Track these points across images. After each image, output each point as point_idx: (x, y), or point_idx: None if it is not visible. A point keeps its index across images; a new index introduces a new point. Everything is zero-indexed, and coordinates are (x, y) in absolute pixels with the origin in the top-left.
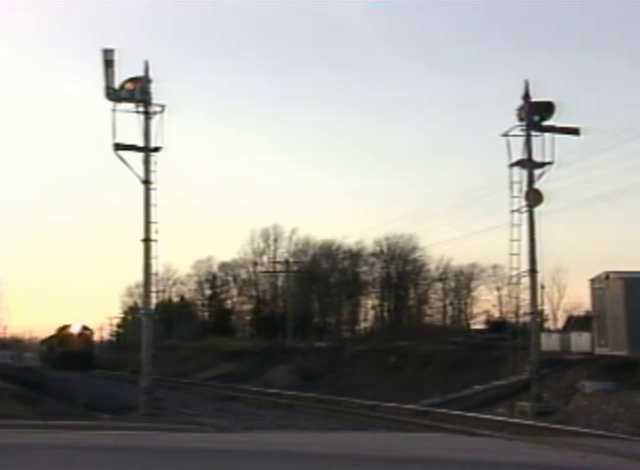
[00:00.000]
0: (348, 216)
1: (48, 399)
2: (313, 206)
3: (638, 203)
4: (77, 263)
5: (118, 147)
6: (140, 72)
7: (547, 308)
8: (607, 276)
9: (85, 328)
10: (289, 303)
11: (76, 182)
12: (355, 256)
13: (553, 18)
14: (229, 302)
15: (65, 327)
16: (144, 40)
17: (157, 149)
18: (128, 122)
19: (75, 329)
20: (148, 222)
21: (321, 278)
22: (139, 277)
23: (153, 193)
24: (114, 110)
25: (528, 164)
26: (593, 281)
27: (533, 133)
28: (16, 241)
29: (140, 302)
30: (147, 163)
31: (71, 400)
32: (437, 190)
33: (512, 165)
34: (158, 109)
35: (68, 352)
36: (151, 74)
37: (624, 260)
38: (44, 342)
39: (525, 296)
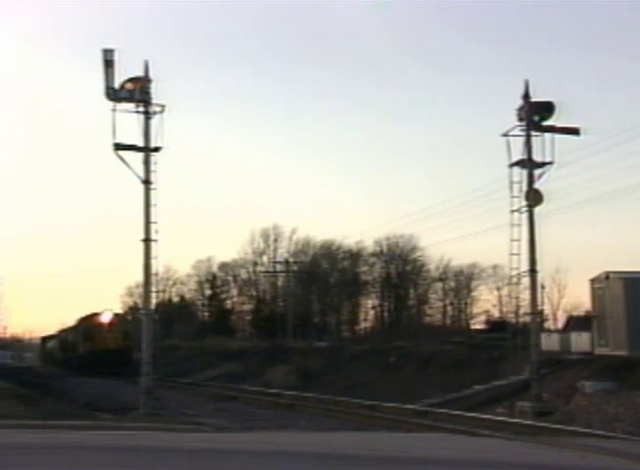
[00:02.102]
0: (348, 216)
1: (48, 398)
2: (313, 206)
3: (638, 203)
4: (77, 264)
5: (118, 147)
6: (140, 72)
7: (547, 308)
8: (607, 276)
9: (118, 316)
10: (289, 303)
11: (76, 182)
12: (355, 256)
13: (553, 17)
14: (229, 302)
15: (91, 316)
16: (144, 40)
17: (157, 149)
18: (128, 122)
19: (106, 318)
20: (148, 222)
21: (321, 278)
22: (139, 277)
23: (153, 193)
24: (114, 110)
25: (528, 164)
26: (593, 281)
27: (533, 133)
28: (16, 241)
29: (140, 302)
30: (147, 163)
31: (71, 400)
32: (438, 190)
33: (512, 165)
34: (158, 109)
35: (97, 350)
36: (151, 74)
37: (624, 260)
38: (47, 339)
39: (526, 296)
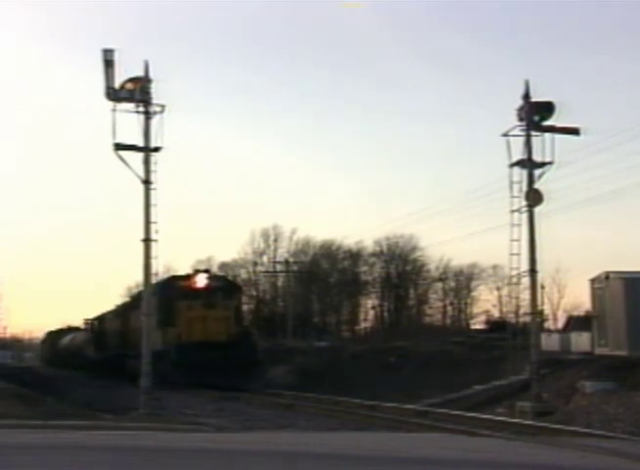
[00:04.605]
0: (348, 216)
1: (48, 399)
2: (313, 206)
3: (638, 203)
4: (77, 264)
5: (118, 147)
6: (140, 72)
7: (547, 308)
8: (607, 276)
9: (221, 281)
10: (289, 303)
11: (77, 182)
12: (355, 256)
13: (553, 17)
14: None
15: (171, 280)
16: (144, 40)
17: (157, 149)
18: (128, 122)
19: (201, 283)
20: (148, 222)
21: (321, 278)
22: (139, 277)
23: (153, 193)
24: (114, 110)
25: (528, 163)
26: (593, 281)
27: (533, 133)
28: (16, 241)
29: None
30: (147, 163)
31: (71, 401)
32: (438, 190)
33: (512, 165)
34: (158, 109)
35: (188, 343)
36: (151, 74)
37: (624, 260)
38: (56, 334)
39: (526, 296)
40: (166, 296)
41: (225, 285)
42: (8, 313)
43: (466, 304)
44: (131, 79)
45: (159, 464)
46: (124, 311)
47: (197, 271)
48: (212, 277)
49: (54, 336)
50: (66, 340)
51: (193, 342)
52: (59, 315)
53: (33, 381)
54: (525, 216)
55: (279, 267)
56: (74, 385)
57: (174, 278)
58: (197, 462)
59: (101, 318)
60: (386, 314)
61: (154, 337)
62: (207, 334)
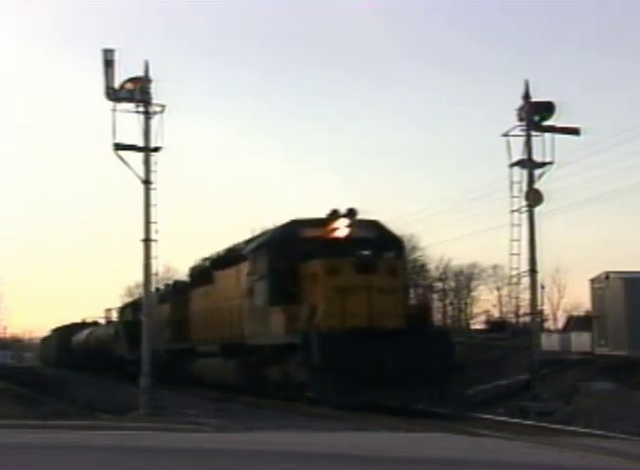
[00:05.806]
0: None
1: (48, 399)
2: (313, 206)
3: (638, 203)
4: (77, 263)
5: (118, 147)
6: (140, 72)
7: (547, 308)
8: (607, 276)
9: (366, 226)
10: None
11: (76, 182)
12: None
13: (553, 18)
14: None
15: (295, 227)
16: (144, 40)
17: (157, 149)
18: (128, 122)
19: (342, 230)
20: (148, 222)
21: None
22: (139, 277)
23: (153, 193)
24: (114, 110)
25: (528, 163)
26: (593, 281)
27: (533, 133)
28: (16, 241)
29: None
30: (147, 163)
31: (71, 400)
32: (438, 190)
33: (512, 165)
34: (158, 109)
35: (337, 333)
36: (151, 74)
37: (624, 260)
38: (61, 332)
39: (526, 296)
40: (286, 253)
41: (383, 236)
42: (8, 313)
43: (466, 304)
44: (131, 79)
45: (159, 464)
46: (180, 292)
47: (334, 213)
48: (361, 223)
49: (62, 333)
50: (80, 337)
51: (346, 330)
52: (59, 315)
53: (33, 381)
54: (525, 216)
55: None
56: (74, 385)
57: (296, 224)
58: (197, 462)
59: (136, 305)
60: None
61: (266, 321)
62: (371, 317)
